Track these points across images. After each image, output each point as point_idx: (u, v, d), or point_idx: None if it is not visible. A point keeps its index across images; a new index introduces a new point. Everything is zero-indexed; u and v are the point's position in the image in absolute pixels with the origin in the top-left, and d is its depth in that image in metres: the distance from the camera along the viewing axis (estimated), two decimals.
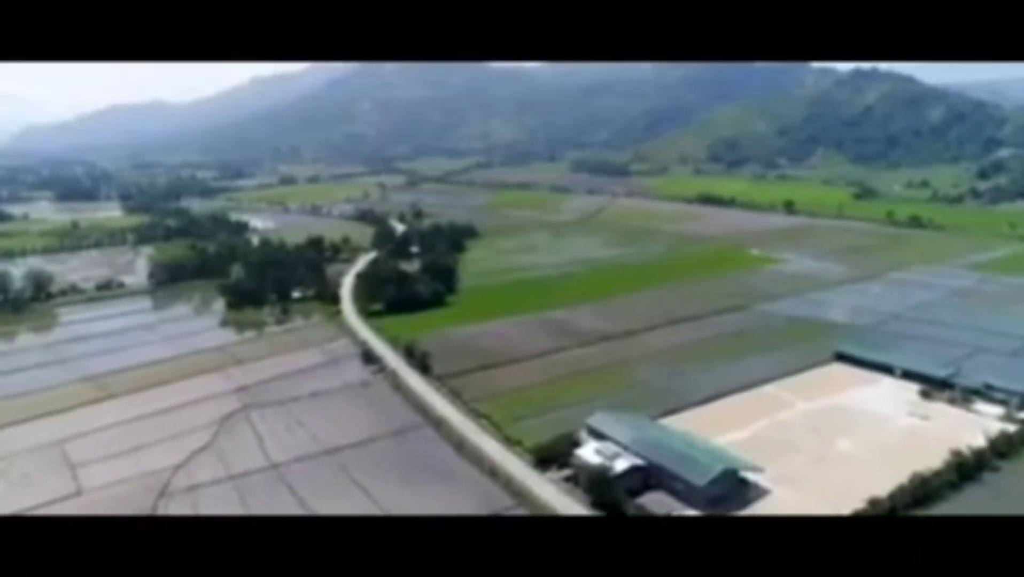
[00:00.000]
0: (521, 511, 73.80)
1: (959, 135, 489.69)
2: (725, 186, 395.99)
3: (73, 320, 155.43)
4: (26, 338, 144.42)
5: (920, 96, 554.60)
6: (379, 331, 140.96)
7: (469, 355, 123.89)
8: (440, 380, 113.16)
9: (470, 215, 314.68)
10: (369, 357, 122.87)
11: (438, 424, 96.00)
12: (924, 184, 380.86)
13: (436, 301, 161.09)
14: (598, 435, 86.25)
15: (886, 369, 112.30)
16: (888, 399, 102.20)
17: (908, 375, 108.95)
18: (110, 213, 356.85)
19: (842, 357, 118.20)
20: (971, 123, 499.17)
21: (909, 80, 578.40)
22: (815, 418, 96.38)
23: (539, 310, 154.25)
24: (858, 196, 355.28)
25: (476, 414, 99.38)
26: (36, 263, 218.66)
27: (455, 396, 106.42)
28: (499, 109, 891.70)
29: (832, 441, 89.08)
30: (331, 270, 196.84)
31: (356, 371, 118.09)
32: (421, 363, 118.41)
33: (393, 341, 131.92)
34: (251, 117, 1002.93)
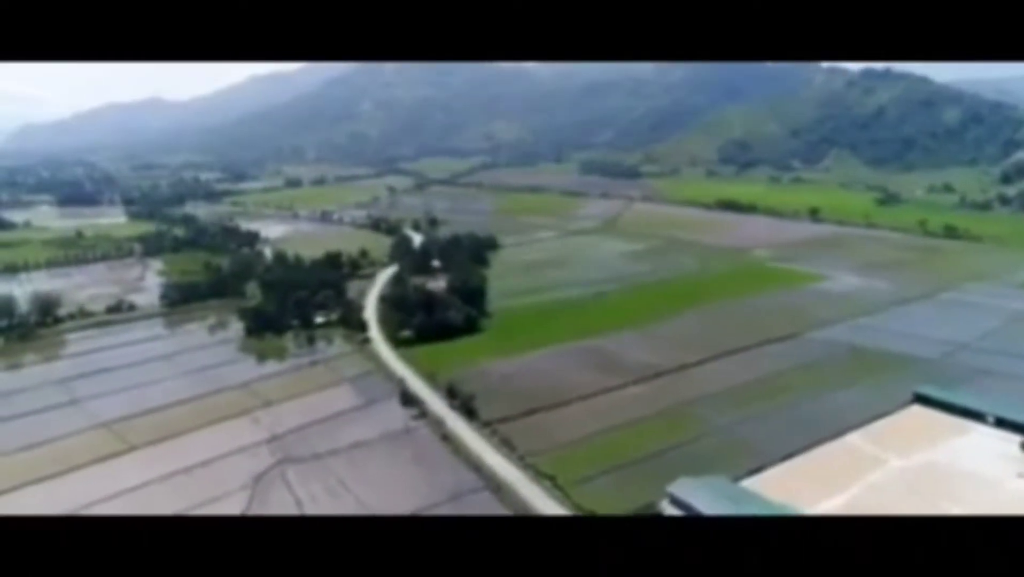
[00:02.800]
0: None
1: (976, 137, 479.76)
2: (741, 189, 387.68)
3: (83, 350, 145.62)
4: (33, 373, 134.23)
5: (934, 97, 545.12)
6: (412, 363, 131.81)
7: (514, 395, 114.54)
8: (487, 426, 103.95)
9: (484, 222, 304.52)
10: (408, 398, 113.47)
11: (497, 487, 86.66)
12: (947, 189, 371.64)
13: (468, 326, 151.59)
14: (684, 507, 76.90)
15: (974, 415, 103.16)
16: (988, 454, 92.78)
17: (1001, 422, 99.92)
18: (114, 220, 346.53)
19: (921, 399, 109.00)
20: (988, 125, 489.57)
21: (923, 80, 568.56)
22: (913, 479, 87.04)
23: (579, 337, 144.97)
24: (881, 202, 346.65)
25: (536, 472, 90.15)
26: (41, 279, 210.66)
27: (508, 448, 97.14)
28: (502, 109, 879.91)
29: (940, 511, 79.73)
30: (351, 287, 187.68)
31: (396, 415, 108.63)
32: (465, 406, 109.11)
33: (430, 377, 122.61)
34: (251, 115, 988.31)
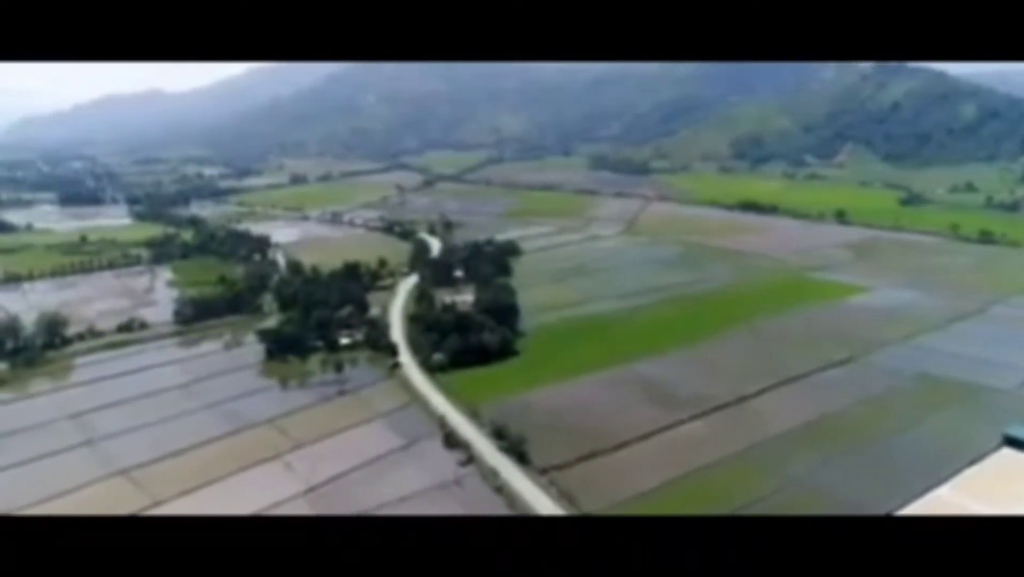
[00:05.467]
0: None
1: (994, 132, 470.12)
2: (757, 187, 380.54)
3: (95, 377, 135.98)
4: (44, 405, 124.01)
5: (950, 91, 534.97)
6: (448, 392, 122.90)
7: (565, 436, 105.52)
8: (544, 474, 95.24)
9: (499, 224, 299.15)
10: (451, 439, 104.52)
11: None
12: (970, 188, 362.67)
13: (503, 348, 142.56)
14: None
15: None
16: None
17: None
18: (118, 221, 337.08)
19: (1012, 441, 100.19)
20: (1006, 120, 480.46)
21: (939, 75, 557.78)
22: None
23: (623, 361, 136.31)
24: (904, 201, 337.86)
25: None
26: (46, 290, 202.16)
27: (570, 502, 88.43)
28: (507, 102, 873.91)
29: None
30: (372, 299, 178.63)
31: (441, 460, 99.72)
32: (516, 450, 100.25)
33: (472, 412, 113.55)
34: (251, 109, 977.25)
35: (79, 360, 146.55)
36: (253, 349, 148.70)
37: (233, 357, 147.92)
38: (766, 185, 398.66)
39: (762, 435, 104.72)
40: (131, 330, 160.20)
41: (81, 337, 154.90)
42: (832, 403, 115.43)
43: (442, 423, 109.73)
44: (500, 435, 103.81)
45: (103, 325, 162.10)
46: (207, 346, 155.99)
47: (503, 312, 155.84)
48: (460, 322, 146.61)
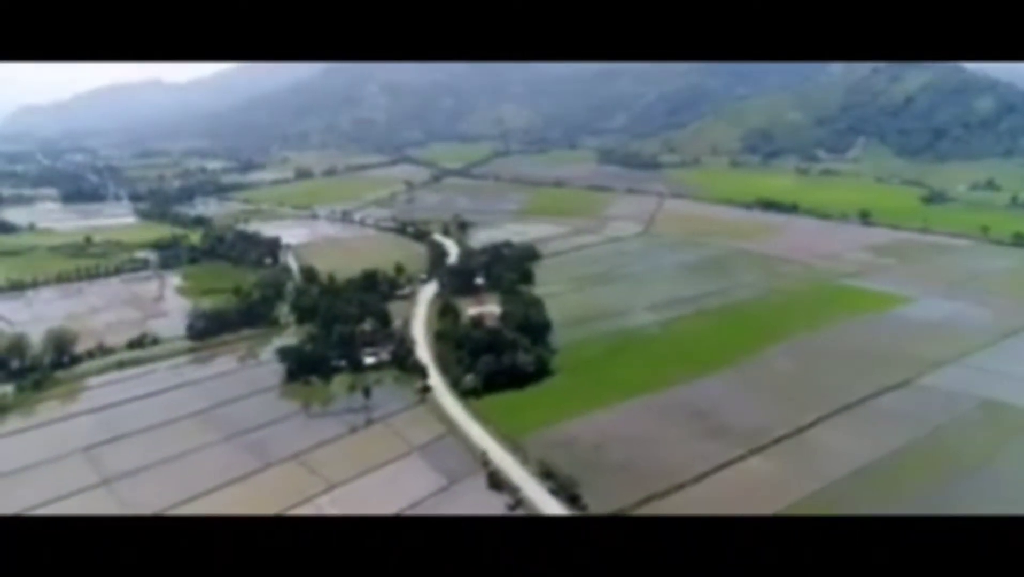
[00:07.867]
0: None
1: (1011, 127, 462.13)
2: (771, 183, 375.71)
3: (108, 403, 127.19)
4: (55, 436, 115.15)
5: (965, 85, 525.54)
6: (487, 422, 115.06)
7: (616, 474, 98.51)
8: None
9: (512, 223, 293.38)
10: (496, 480, 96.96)
11: None
12: (991, 185, 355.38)
13: (538, 369, 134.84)
14: None
15: None
16: None
17: None
18: (123, 220, 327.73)
19: None
20: (1023, 115, 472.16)
21: (954, 68, 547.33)
22: None
23: (665, 384, 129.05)
24: (927, 200, 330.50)
25: None
26: (52, 298, 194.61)
27: None
28: (511, 92, 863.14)
29: None
30: (392, 309, 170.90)
31: (487, 506, 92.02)
32: (567, 492, 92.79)
33: (514, 446, 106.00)
34: (252, 99, 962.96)
35: (89, 381, 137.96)
36: (272, 368, 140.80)
37: (252, 378, 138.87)
38: (780, 181, 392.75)
39: (832, 475, 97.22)
40: (142, 346, 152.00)
41: (91, 354, 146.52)
42: (897, 435, 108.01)
43: (484, 459, 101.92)
44: (548, 475, 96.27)
45: (113, 340, 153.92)
46: (223, 364, 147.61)
47: (536, 329, 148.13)
48: (491, 340, 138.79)
